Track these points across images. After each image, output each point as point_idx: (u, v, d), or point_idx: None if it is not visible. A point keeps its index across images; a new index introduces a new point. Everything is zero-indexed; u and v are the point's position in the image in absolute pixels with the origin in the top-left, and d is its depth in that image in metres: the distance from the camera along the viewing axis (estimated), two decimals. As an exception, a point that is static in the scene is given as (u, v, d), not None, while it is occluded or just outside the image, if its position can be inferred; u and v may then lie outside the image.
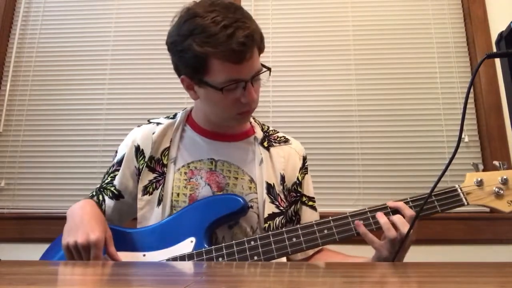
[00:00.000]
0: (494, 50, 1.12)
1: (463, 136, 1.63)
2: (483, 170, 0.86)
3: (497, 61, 1.62)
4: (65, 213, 0.91)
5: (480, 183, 0.84)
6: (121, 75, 1.80)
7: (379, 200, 1.61)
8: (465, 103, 0.76)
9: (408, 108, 1.69)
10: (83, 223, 0.84)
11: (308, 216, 1.05)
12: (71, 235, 0.82)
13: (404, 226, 0.81)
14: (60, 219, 1.58)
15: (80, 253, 0.80)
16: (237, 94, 0.89)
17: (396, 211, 0.86)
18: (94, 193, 1.04)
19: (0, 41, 1.83)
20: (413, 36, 1.76)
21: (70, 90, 1.80)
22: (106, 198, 1.01)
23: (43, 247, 0.99)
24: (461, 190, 0.85)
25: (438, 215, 0.87)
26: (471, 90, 1.67)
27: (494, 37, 1.66)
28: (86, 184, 1.68)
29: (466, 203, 0.84)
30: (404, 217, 0.83)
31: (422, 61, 1.74)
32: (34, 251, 1.62)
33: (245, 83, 0.88)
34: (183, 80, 0.96)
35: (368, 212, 0.87)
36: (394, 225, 0.82)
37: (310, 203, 1.07)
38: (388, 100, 1.71)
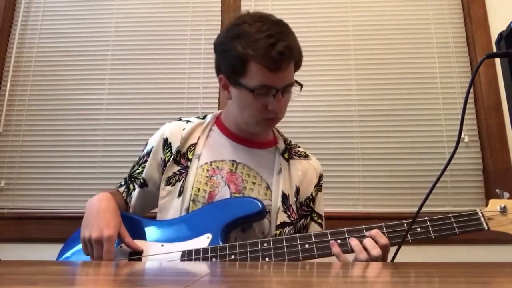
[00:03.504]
0: (494, 50, 1.12)
1: (463, 136, 1.63)
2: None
3: (497, 61, 1.62)
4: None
5: (503, 210, 0.83)
6: (121, 75, 1.80)
7: (379, 200, 1.63)
8: (465, 103, 0.75)
9: (408, 108, 1.69)
10: (98, 218, 0.88)
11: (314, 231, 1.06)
12: (87, 229, 0.88)
13: (373, 249, 0.82)
14: (60, 219, 1.60)
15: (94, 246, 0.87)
16: (267, 100, 0.94)
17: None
18: (123, 183, 1.10)
19: (0, 41, 1.83)
20: (413, 36, 1.76)
21: (70, 90, 1.80)
22: (136, 186, 1.07)
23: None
24: (482, 214, 0.84)
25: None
26: (471, 90, 1.67)
27: (494, 37, 1.66)
28: (86, 184, 1.68)
29: (486, 228, 0.83)
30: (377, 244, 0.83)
31: (422, 61, 1.74)
32: (34, 251, 1.63)
33: (276, 91, 0.94)
34: (221, 79, 1.01)
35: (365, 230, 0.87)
36: (365, 248, 0.83)
37: (319, 220, 1.09)
38: (388, 100, 1.71)
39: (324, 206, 1.12)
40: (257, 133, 1.06)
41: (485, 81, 1.67)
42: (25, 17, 1.88)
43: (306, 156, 1.12)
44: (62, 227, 1.54)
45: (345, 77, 1.74)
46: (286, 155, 1.07)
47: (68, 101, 1.78)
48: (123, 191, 1.08)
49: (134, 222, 0.97)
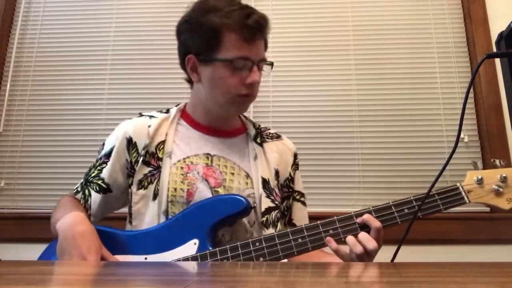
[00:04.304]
0: (494, 50, 1.12)
1: (463, 136, 1.63)
2: (483, 169, 0.87)
3: (497, 61, 1.62)
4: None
5: (480, 181, 0.85)
6: (121, 75, 1.80)
7: (379, 200, 1.61)
8: (464, 103, 0.76)
9: (408, 108, 1.70)
10: (76, 244, 0.81)
11: (300, 211, 1.08)
12: (66, 258, 0.81)
13: (368, 242, 0.81)
14: (60, 219, 1.59)
15: None
16: (243, 74, 0.93)
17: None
18: (79, 189, 1.02)
19: (0, 41, 1.83)
20: (413, 36, 1.76)
21: (70, 90, 1.80)
22: (92, 192, 0.99)
23: (43, 247, 0.99)
24: (462, 188, 0.85)
25: (438, 214, 0.87)
26: (471, 90, 1.67)
27: (494, 37, 1.66)
28: (86, 184, 1.68)
29: (467, 201, 0.85)
30: (371, 229, 0.83)
31: (422, 61, 1.74)
32: (34, 251, 1.62)
33: (252, 64, 0.93)
34: (189, 59, 0.97)
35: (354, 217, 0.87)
36: (360, 242, 0.82)
37: (302, 199, 1.10)
38: (388, 100, 1.71)
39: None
40: (228, 118, 1.03)
41: (485, 81, 1.67)
42: (25, 17, 1.89)
43: (278, 137, 1.10)
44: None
45: (345, 77, 1.74)
46: (258, 140, 1.05)
47: (68, 101, 1.78)
48: (81, 198, 1.00)
49: (112, 237, 0.89)
